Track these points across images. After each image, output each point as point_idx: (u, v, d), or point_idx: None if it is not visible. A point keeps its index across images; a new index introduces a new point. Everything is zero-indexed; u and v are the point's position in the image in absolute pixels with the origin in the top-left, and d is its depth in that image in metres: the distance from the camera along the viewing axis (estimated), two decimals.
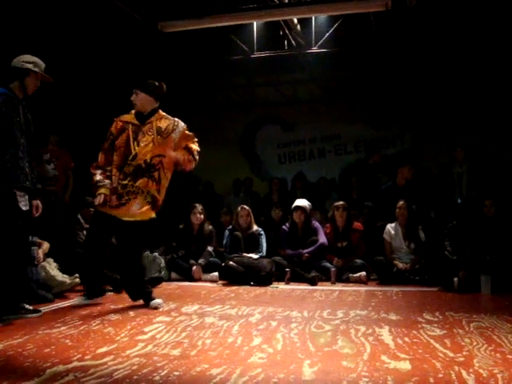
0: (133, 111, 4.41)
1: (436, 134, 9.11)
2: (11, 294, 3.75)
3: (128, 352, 2.83)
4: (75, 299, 4.55)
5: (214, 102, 9.97)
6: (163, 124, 4.32)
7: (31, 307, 3.96)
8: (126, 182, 4.20)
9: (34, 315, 3.88)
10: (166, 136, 4.28)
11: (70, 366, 2.57)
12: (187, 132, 4.42)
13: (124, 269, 4.55)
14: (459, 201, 6.83)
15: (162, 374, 2.45)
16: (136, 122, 4.33)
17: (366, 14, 7.30)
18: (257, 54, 8.45)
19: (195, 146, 4.44)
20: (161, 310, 4.22)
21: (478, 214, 5.96)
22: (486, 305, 4.70)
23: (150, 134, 4.26)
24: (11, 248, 3.72)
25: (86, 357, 2.74)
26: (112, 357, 2.73)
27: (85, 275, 4.65)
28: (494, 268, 5.28)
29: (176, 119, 4.41)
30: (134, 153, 4.21)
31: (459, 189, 7.19)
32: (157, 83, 4.43)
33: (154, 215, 4.38)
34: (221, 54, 8.74)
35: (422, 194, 7.11)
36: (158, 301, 4.35)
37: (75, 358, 2.70)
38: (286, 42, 8.38)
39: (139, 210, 4.22)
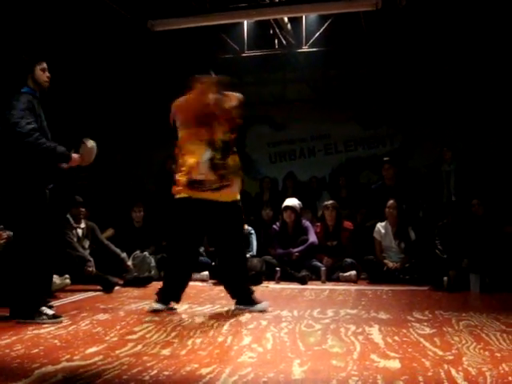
0: None
1: (425, 134, 9.12)
2: (31, 297, 3.62)
3: (117, 352, 2.82)
4: (145, 304, 4.31)
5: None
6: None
7: (52, 311, 3.73)
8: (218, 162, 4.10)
9: (55, 320, 3.63)
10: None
11: (58, 366, 2.55)
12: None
13: (231, 271, 4.24)
14: (452, 198, 6.84)
15: (152, 373, 2.44)
16: None
17: (356, 14, 7.30)
18: (247, 53, 8.43)
19: None
20: (269, 311, 4.09)
21: (467, 213, 5.99)
22: (475, 303, 4.73)
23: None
24: (40, 249, 3.65)
25: (75, 357, 2.72)
26: (101, 357, 2.71)
27: (170, 277, 4.25)
28: (484, 267, 5.31)
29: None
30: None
31: (447, 188, 7.22)
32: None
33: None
34: (211, 53, 8.71)
35: (411, 193, 7.14)
36: (264, 304, 4.16)
37: (64, 359, 2.68)
38: (276, 41, 8.36)
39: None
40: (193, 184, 4.05)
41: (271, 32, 8.10)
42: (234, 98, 4.20)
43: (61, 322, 3.64)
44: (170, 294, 4.18)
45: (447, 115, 8.88)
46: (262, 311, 4.03)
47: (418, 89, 9.00)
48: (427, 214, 7.13)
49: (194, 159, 4.06)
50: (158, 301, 4.15)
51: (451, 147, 7.51)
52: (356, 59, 8.97)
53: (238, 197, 4.21)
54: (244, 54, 8.45)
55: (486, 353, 2.81)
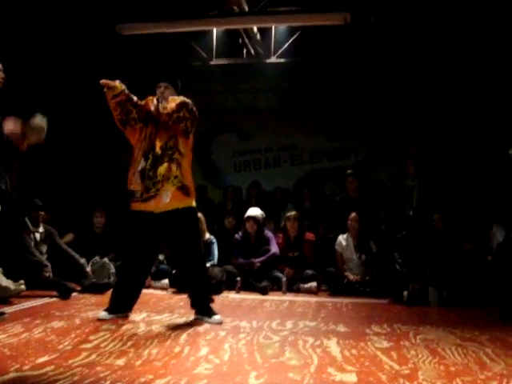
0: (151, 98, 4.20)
1: (389, 148, 9.26)
2: None
3: (70, 362, 2.74)
4: (99, 312, 4.12)
5: None
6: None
7: None
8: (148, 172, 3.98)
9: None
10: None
11: (6, 377, 2.46)
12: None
13: (189, 280, 4.20)
14: (411, 213, 6.93)
15: None
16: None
17: (326, 27, 7.38)
18: (215, 61, 8.43)
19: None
20: (227, 322, 4.04)
21: (426, 228, 6.08)
22: (432, 317, 4.77)
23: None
24: None
25: (25, 367, 2.63)
26: (53, 367, 2.64)
27: (119, 287, 4.22)
28: (442, 281, 5.39)
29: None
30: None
31: (410, 202, 7.32)
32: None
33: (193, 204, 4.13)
34: (180, 60, 8.67)
35: (373, 206, 7.20)
36: (218, 317, 4.07)
37: (13, 369, 2.59)
38: (245, 50, 8.38)
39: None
40: (130, 196, 4.07)
41: (240, 41, 8.11)
42: (175, 100, 4.03)
43: (4, 318, 3.66)
44: (119, 304, 4.12)
45: (411, 130, 9.03)
46: (218, 323, 3.99)
47: (384, 103, 9.13)
48: (389, 228, 7.21)
49: (132, 171, 4.08)
50: (107, 309, 4.09)
51: (415, 162, 7.63)
52: (324, 72, 9.06)
53: (185, 204, 4.05)
54: (212, 63, 8.44)
55: (441, 367, 2.84)
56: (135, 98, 4.05)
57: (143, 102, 4.12)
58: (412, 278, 5.51)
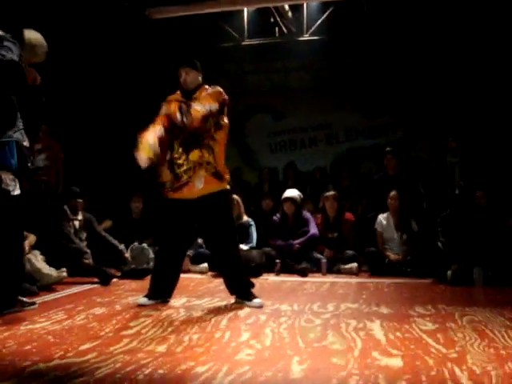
0: (177, 91, 4.14)
1: (427, 124, 9.03)
2: (9, 287, 3.58)
3: (112, 348, 2.74)
4: (139, 298, 4.12)
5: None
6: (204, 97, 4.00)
7: (28, 300, 3.78)
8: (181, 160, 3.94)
9: (31, 307, 3.71)
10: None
11: (50, 364, 2.48)
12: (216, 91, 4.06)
13: (223, 263, 4.21)
14: (456, 191, 6.73)
15: (146, 372, 2.36)
16: (183, 98, 4.05)
17: (359, 1, 7.19)
18: (247, 42, 8.33)
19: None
20: (268, 305, 4.01)
21: (470, 205, 5.90)
22: (478, 298, 4.64)
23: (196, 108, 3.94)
24: (9, 238, 3.55)
25: (69, 354, 2.64)
26: (95, 354, 2.64)
27: (157, 273, 4.19)
28: (487, 260, 5.23)
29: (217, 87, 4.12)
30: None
31: (452, 178, 7.12)
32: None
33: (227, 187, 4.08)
34: (211, 42, 8.60)
35: (413, 183, 7.04)
36: (258, 300, 4.03)
37: (57, 356, 2.60)
38: (277, 28, 8.25)
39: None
40: (161, 186, 4.05)
41: (272, 20, 7.98)
42: (199, 112, 3.87)
43: (37, 306, 3.74)
44: (159, 290, 4.12)
45: (450, 106, 8.78)
46: (259, 307, 3.94)
47: (422, 79, 8.89)
48: (430, 206, 7.04)
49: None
50: (147, 295, 4.09)
51: (456, 137, 7.41)
52: (358, 48, 8.86)
53: (219, 188, 3.98)
54: (244, 43, 8.35)
55: (491, 350, 2.73)
56: (164, 135, 3.89)
57: (166, 116, 3.99)
58: (456, 257, 5.37)
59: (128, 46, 8.33)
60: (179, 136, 3.97)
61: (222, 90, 4.09)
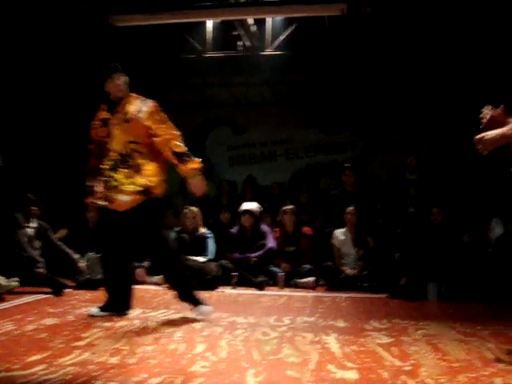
0: (103, 106, 4.04)
1: (385, 142, 9.20)
2: None
3: (62, 360, 2.66)
4: (91, 309, 4.03)
5: (165, 101, 9.68)
6: (131, 107, 3.91)
7: None
8: (107, 178, 3.85)
9: None
10: (131, 119, 3.85)
11: None
12: (154, 111, 3.91)
13: (163, 270, 4.20)
14: (412, 210, 6.84)
15: None
16: (107, 115, 3.97)
17: (322, 19, 7.29)
18: (210, 54, 8.31)
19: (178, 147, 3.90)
20: (208, 318, 3.90)
21: (425, 222, 6.02)
22: (432, 312, 4.72)
23: (118, 122, 3.89)
24: None
25: (15, 366, 2.54)
26: (44, 366, 2.55)
27: (107, 285, 4.11)
28: (441, 275, 5.33)
29: (147, 100, 3.99)
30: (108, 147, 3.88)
31: (409, 196, 7.24)
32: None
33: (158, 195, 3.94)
34: (175, 53, 8.56)
35: (371, 199, 7.14)
36: (206, 308, 3.97)
37: (2, 368, 2.50)
38: (240, 42, 8.26)
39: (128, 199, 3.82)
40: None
41: (235, 33, 8.00)
42: (126, 131, 3.86)
43: None
44: (112, 303, 4.01)
45: (408, 124, 8.96)
46: (205, 314, 3.89)
47: (380, 97, 9.05)
48: (387, 221, 7.14)
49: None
50: (101, 306, 4.00)
51: (416, 155, 7.55)
52: (319, 65, 8.94)
53: (145, 198, 3.86)
54: (207, 55, 8.33)
55: (444, 363, 2.77)
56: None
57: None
58: (410, 272, 5.45)
59: (90, 53, 8.19)
60: (106, 153, 3.91)
61: (155, 105, 3.98)
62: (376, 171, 9.03)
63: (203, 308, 3.96)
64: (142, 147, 3.88)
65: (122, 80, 4.00)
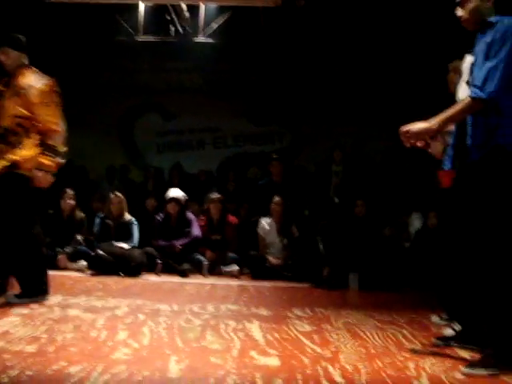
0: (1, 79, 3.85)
1: (313, 134, 9.36)
2: None
3: None
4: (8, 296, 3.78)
5: (95, 83, 9.46)
6: (24, 81, 3.74)
7: None
8: None
9: None
10: (20, 93, 3.68)
11: None
12: (47, 92, 3.75)
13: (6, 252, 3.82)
14: (336, 200, 7.00)
15: (13, 374, 2.19)
16: (2, 87, 3.79)
17: (256, 10, 7.30)
18: (142, 38, 8.14)
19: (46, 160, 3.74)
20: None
21: (349, 214, 6.19)
22: (353, 301, 4.87)
23: (10, 95, 3.71)
24: None
25: None
26: None
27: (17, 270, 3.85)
28: (362, 265, 5.51)
29: (44, 77, 3.82)
30: None
31: (334, 188, 7.42)
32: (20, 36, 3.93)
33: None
34: (107, 35, 8.32)
35: (297, 190, 7.26)
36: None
37: None
38: (173, 28, 8.14)
39: None
40: None
41: (168, 18, 7.87)
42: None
43: None
44: (27, 287, 3.82)
45: (335, 118, 9.14)
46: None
47: (309, 90, 9.18)
48: (312, 212, 7.28)
49: None
50: (18, 294, 3.82)
51: (342, 148, 7.73)
52: (251, 55, 8.98)
53: (12, 169, 3.69)
54: (138, 39, 8.15)
55: (362, 349, 2.86)
56: None
57: None
58: (332, 262, 5.60)
59: (21, 28, 7.81)
60: None
61: (50, 84, 3.83)
62: (303, 163, 9.18)
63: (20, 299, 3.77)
64: (28, 123, 3.73)
65: (12, 54, 3.84)
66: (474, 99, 2.61)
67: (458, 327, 3.15)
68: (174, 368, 2.40)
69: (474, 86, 2.63)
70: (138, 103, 9.81)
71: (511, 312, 2.58)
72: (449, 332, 3.22)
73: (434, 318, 3.76)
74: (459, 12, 2.83)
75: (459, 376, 2.44)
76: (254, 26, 7.98)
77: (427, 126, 2.70)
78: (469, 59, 2.89)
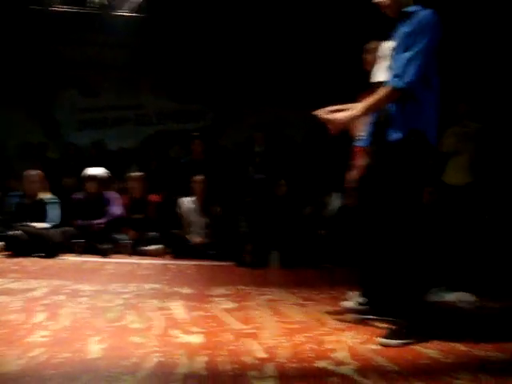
0: None
1: (236, 114, 9.37)
2: None
3: None
4: None
5: (9, 56, 8.97)
6: None
7: None
8: None
9: None
10: None
11: None
12: None
13: None
14: (255, 176, 7.05)
15: None
16: None
17: None
18: (59, 8, 7.77)
19: None
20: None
21: (270, 193, 6.27)
22: (275, 279, 4.95)
23: None
24: None
25: None
26: None
27: None
28: (283, 244, 5.61)
29: None
30: None
31: (256, 167, 7.47)
32: None
33: None
34: (19, 3, 7.87)
35: (219, 170, 7.26)
36: None
37: None
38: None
39: None
40: None
41: None
42: None
43: None
44: None
45: (258, 96, 9.17)
46: None
47: (234, 69, 9.15)
48: (234, 191, 7.32)
49: None
50: None
51: (263, 129, 7.79)
52: (175, 32, 8.80)
53: None
54: (55, 9, 7.77)
55: (284, 325, 2.93)
56: None
57: None
58: (253, 240, 5.66)
59: None
60: None
61: None
62: (225, 143, 9.18)
63: None
64: None
65: None
66: (393, 88, 2.74)
67: (361, 300, 3.29)
68: (95, 348, 2.36)
69: (394, 75, 2.75)
70: (56, 78, 9.41)
71: (420, 284, 2.75)
72: (350, 304, 3.34)
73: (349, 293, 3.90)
74: None
75: (376, 347, 2.55)
76: (178, 2, 7.81)
77: (351, 114, 2.82)
78: (388, 44, 2.98)
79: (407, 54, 2.73)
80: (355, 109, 2.84)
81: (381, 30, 3.10)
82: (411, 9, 2.85)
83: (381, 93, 2.80)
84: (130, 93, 9.45)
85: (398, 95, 2.76)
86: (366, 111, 2.84)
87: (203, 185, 6.41)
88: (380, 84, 2.97)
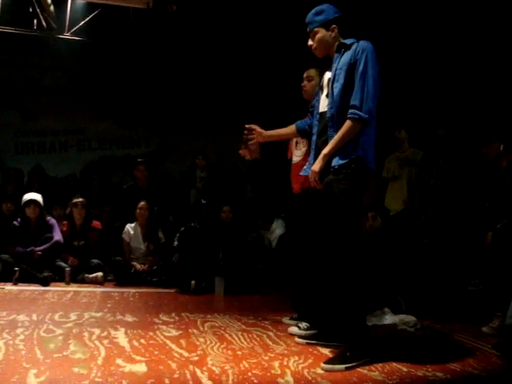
0: None
1: (180, 140, 9.38)
2: None
3: None
4: None
5: None
6: None
7: None
8: None
9: None
10: None
11: None
12: None
13: None
14: (203, 201, 7.02)
15: None
16: None
17: (126, 10, 7.14)
18: (2, 29, 7.58)
19: None
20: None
21: (215, 219, 6.27)
22: (219, 305, 4.91)
23: None
24: None
25: None
26: None
27: None
28: (228, 270, 5.60)
29: None
30: None
31: (200, 193, 7.47)
32: None
33: None
34: None
35: (162, 196, 7.21)
36: None
37: None
38: (35, 21, 7.67)
39: None
40: None
41: (31, 10, 7.42)
42: None
43: None
44: None
45: (202, 123, 9.22)
46: None
47: (178, 95, 9.17)
48: (177, 218, 7.28)
49: None
50: None
51: (205, 155, 7.82)
52: (118, 56, 8.75)
53: None
54: None
55: (229, 352, 2.92)
56: None
57: None
58: (197, 268, 5.63)
59: None
60: None
61: None
62: (168, 169, 9.16)
63: None
64: None
65: None
66: (354, 120, 2.79)
67: (305, 325, 3.35)
68: (33, 382, 2.29)
69: (353, 107, 2.80)
70: None
71: (361, 309, 2.81)
72: (294, 330, 3.42)
73: (285, 320, 3.93)
74: (309, 42, 3.11)
75: (320, 371, 2.58)
76: (122, 27, 7.77)
77: (323, 163, 2.85)
78: (328, 75, 3.06)
79: (360, 83, 2.80)
80: (322, 154, 2.88)
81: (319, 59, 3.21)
82: (348, 41, 2.95)
83: (342, 130, 2.83)
84: (72, 117, 9.31)
85: (360, 126, 2.81)
86: (333, 152, 2.87)
87: (147, 211, 6.34)
88: (322, 114, 3.04)
